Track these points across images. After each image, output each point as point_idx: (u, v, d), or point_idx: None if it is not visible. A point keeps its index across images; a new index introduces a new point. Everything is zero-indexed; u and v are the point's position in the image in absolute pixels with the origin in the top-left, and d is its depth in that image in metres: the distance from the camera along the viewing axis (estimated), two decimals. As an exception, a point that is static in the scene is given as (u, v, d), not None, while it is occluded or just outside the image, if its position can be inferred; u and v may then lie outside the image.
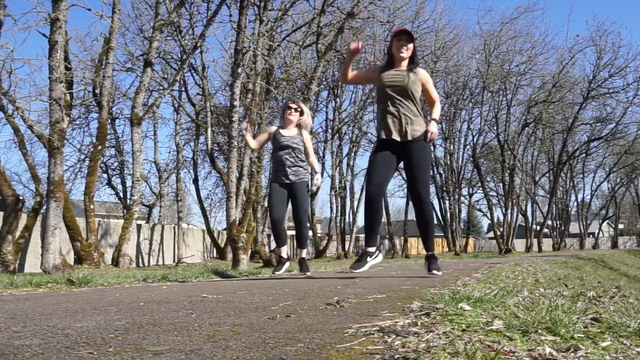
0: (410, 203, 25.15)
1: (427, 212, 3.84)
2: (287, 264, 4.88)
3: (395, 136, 3.75)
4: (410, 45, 3.82)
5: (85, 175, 13.32)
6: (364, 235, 4.23)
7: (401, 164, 3.94)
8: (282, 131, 4.85)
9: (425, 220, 3.84)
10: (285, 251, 4.92)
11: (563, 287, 2.80)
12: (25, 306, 2.25)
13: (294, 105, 4.90)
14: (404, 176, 25.48)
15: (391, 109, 3.76)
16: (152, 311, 1.95)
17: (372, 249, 3.83)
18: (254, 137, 5.25)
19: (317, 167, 4.99)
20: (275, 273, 4.79)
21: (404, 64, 3.85)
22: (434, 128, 3.76)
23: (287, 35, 14.94)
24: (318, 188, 5.41)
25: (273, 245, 17.89)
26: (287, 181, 4.76)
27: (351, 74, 3.98)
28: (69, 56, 9.91)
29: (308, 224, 5.07)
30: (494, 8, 66.24)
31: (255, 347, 1.21)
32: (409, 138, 3.74)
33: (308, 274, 4.85)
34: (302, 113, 4.89)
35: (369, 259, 3.82)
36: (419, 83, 3.82)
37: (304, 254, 5.02)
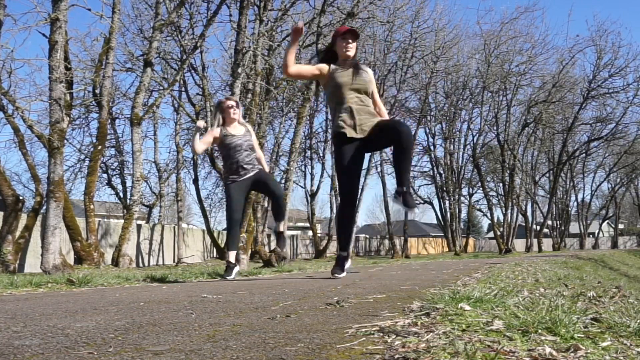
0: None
1: (407, 131, 3.51)
2: (237, 269, 4.71)
3: (357, 134, 3.65)
4: (355, 44, 3.80)
5: (85, 175, 13.32)
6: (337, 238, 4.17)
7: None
8: (229, 130, 4.69)
9: (404, 141, 3.48)
10: (233, 256, 4.72)
11: (563, 287, 2.80)
12: (25, 306, 2.25)
13: (234, 103, 4.75)
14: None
15: (350, 106, 3.68)
16: (152, 311, 1.95)
17: (345, 253, 3.93)
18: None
19: (266, 165, 4.89)
20: (227, 278, 4.50)
21: (349, 61, 3.79)
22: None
23: (287, 35, 14.92)
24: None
25: (273, 245, 17.88)
26: (245, 176, 4.63)
27: (294, 64, 3.71)
28: (69, 56, 9.91)
29: (283, 196, 4.94)
30: (494, 8, 66.32)
31: (255, 347, 1.21)
32: (365, 135, 3.67)
33: (285, 250, 4.77)
34: (239, 107, 4.79)
35: (346, 263, 3.91)
36: (373, 82, 3.82)
37: (281, 227, 4.78)
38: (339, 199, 3.89)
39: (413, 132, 24.89)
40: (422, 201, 30.79)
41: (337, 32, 3.84)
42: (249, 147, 4.70)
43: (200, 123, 4.79)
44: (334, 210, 22.24)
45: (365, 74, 3.80)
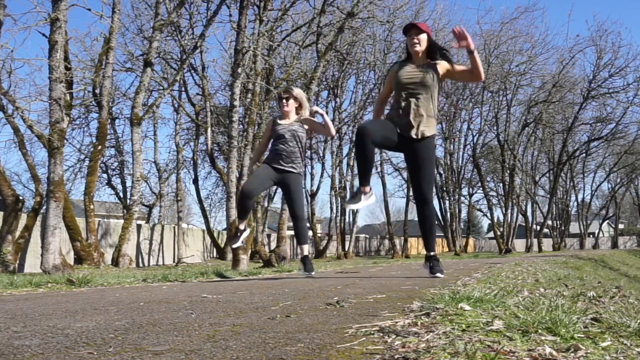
0: (411, 203, 25.24)
1: (430, 212, 3.79)
2: (246, 233, 4.57)
3: (404, 132, 3.65)
4: (422, 36, 3.68)
5: (85, 175, 13.32)
6: (357, 173, 3.98)
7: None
8: (279, 120, 4.57)
9: (427, 221, 3.78)
10: (243, 224, 4.57)
11: (563, 287, 2.80)
12: (25, 306, 2.25)
13: (285, 95, 4.60)
14: (404, 176, 25.55)
15: (405, 104, 3.66)
16: (152, 311, 1.95)
17: (367, 189, 3.75)
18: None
19: (331, 126, 4.57)
20: (233, 246, 4.41)
21: (422, 57, 3.72)
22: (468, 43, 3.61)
23: (287, 35, 14.94)
24: (322, 118, 4.82)
25: (273, 245, 17.87)
26: (282, 167, 4.48)
27: (381, 105, 4.04)
28: (69, 56, 9.92)
29: (306, 217, 4.76)
30: (494, 8, 66.31)
31: (255, 347, 1.21)
32: (418, 137, 3.65)
33: (312, 274, 4.48)
34: (295, 98, 4.58)
35: (363, 196, 3.74)
36: (436, 81, 3.69)
37: (306, 250, 4.59)
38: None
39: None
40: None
41: (403, 32, 3.81)
42: (293, 137, 4.49)
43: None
44: (334, 210, 22.25)
45: (431, 73, 3.67)
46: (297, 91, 4.65)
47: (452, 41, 22.89)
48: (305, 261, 4.56)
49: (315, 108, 4.53)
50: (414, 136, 3.64)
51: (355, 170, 23.23)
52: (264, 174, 4.47)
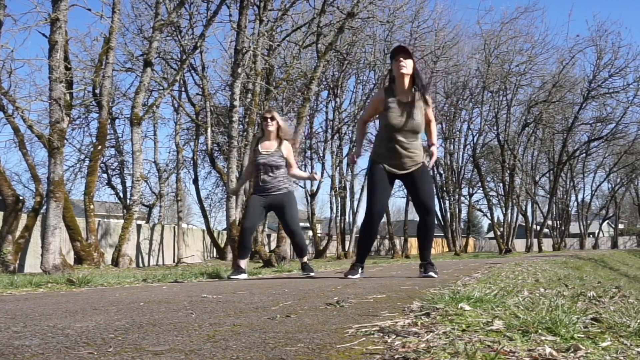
0: (410, 203, 25.22)
1: (432, 222, 3.90)
2: (245, 275, 4.63)
3: (397, 172, 3.83)
4: (410, 62, 3.71)
5: (85, 175, 13.32)
6: (357, 249, 4.36)
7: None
8: (260, 147, 4.72)
9: (428, 230, 3.91)
10: (244, 263, 4.69)
11: (563, 287, 2.80)
12: (25, 306, 2.25)
13: (268, 115, 4.75)
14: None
15: (396, 146, 3.77)
16: (152, 311, 1.95)
17: (363, 264, 4.06)
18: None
19: (303, 174, 4.95)
20: (231, 278, 4.47)
21: (407, 82, 3.75)
22: (434, 152, 3.95)
23: (287, 35, 14.94)
24: (318, 182, 5.31)
25: (273, 245, 17.87)
26: (269, 194, 4.65)
27: (364, 125, 4.16)
28: (69, 56, 9.92)
29: (302, 232, 4.91)
30: (494, 8, 66.32)
31: (255, 347, 1.21)
32: (411, 170, 3.83)
33: (312, 274, 4.68)
34: (277, 121, 4.75)
35: (360, 269, 3.99)
36: (422, 117, 3.81)
37: (304, 260, 4.89)
38: (365, 214, 3.98)
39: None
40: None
41: (391, 54, 3.87)
42: (274, 166, 4.66)
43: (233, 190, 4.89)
44: (334, 210, 22.23)
45: (419, 104, 3.76)
46: (279, 118, 4.85)
47: (451, 41, 22.86)
48: (305, 265, 4.83)
49: (303, 176, 4.95)
50: (405, 173, 3.84)
51: (356, 170, 23.26)
52: (257, 206, 4.65)
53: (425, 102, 3.81)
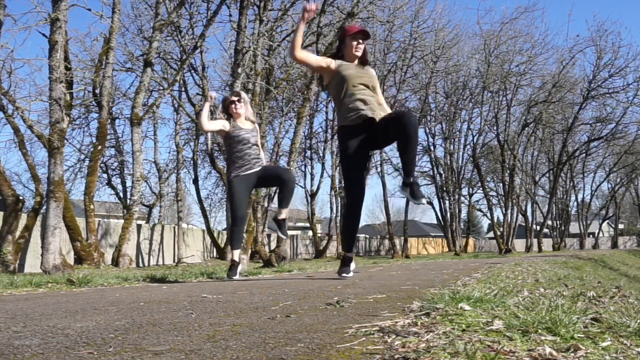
0: (410, 203, 25.23)
1: (411, 119, 3.45)
2: (241, 267, 4.65)
3: (371, 115, 3.60)
4: (364, 46, 3.80)
5: (85, 175, 13.32)
6: (342, 239, 4.11)
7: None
8: (239, 123, 4.64)
9: (409, 129, 3.39)
10: (237, 254, 4.64)
11: (563, 287, 2.80)
12: (25, 306, 2.25)
13: (236, 98, 4.69)
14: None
15: (359, 96, 3.64)
16: (152, 311, 1.95)
17: (352, 254, 3.91)
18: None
19: (265, 160, 4.92)
20: (233, 278, 4.43)
21: (357, 61, 3.80)
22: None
23: (287, 35, 14.93)
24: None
25: (273, 245, 17.87)
26: (252, 171, 4.58)
27: (301, 50, 3.72)
28: (69, 56, 9.91)
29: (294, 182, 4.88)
30: (494, 8, 66.41)
31: (255, 347, 1.21)
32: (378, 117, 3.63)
33: (285, 238, 4.73)
34: (244, 101, 4.71)
35: (352, 263, 3.89)
36: (377, 79, 3.85)
37: (284, 214, 4.67)
38: (344, 196, 3.91)
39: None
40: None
41: (347, 31, 3.80)
42: (255, 142, 4.66)
43: (212, 93, 4.77)
44: (334, 210, 22.23)
45: (370, 70, 3.84)
46: (245, 96, 4.85)
47: (451, 41, 22.84)
48: (281, 224, 4.72)
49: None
50: (375, 119, 3.61)
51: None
52: (242, 190, 4.58)
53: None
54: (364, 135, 3.62)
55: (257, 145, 4.71)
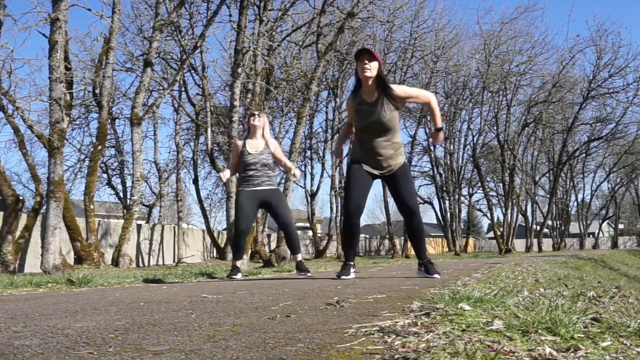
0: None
1: (418, 222, 3.88)
2: (239, 275, 4.69)
3: (376, 172, 3.81)
4: (374, 64, 3.67)
5: (85, 175, 13.32)
6: (342, 249, 4.30)
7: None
8: (248, 147, 4.79)
9: (417, 230, 3.87)
10: (240, 263, 4.76)
11: (563, 287, 2.80)
12: (25, 306, 2.25)
13: (257, 112, 4.91)
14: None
15: (369, 145, 3.77)
16: (152, 311, 1.95)
17: (352, 262, 3.97)
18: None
19: (290, 163, 4.99)
20: (233, 278, 4.50)
21: (371, 83, 3.71)
22: (440, 137, 3.91)
23: (287, 35, 14.94)
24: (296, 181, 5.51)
25: (273, 245, 17.86)
26: (257, 188, 4.70)
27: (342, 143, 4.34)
28: (69, 56, 9.91)
29: (295, 231, 4.96)
30: (494, 8, 66.33)
31: (255, 347, 1.21)
32: (391, 172, 3.80)
33: (309, 274, 4.71)
34: (263, 117, 4.90)
35: (352, 269, 3.94)
36: (395, 113, 3.74)
37: (299, 258, 4.90)
38: (343, 205, 4.04)
39: (413, 134, 24.94)
40: (422, 201, 30.80)
41: (354, 55, 3.84)
42: (263, 165, 4.75)
43: (224, 175, 4.86)
44: (334, 210, 22.22)
45: (387, 107, 3.71)
46: (264, 115, 4.98)
47: (451, 41, 22.87)
48: (300, 265, 4.87)
49: (292, 169, 4.98)
50: (386, 173, 3.81)
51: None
52: (248, 205, 4.69)
53: (393, 98, 3.72)
54: (368, 169, 3.85)
55: (268, 165, 4.77)
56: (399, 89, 3.77)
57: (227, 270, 6.25)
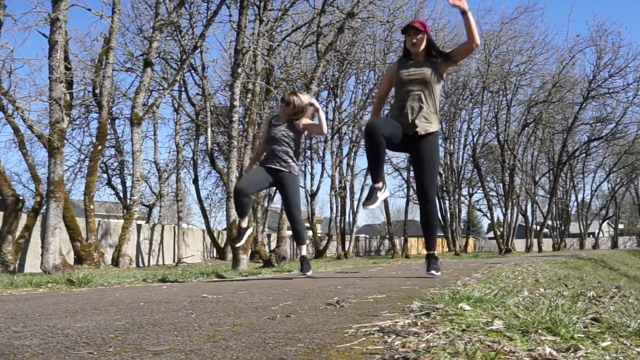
0: (411, 203, 25.23)
1: (432, 210, 3.79)
2: (249, 232, 4.64)
3: (407, 130, 3.67)
4: (421, 36, 3.69)
5: (85, 175, 13.32)
6: (369, 171, 4.10)
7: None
8: (273, 121, 4.73)
9: (429, 219, 3.80)
10: (245, 222, 4.65)
11: (563, 287, 2.80)
12: (25, 306, 2.25)
13: (287, 98, 4.74)
14: (404, 176, 25.55)
15: (407, 102, 3.68)
16: (152, 311, 1.95)
17: (379, 185, 3.75)
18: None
19: (324, 124, 4.78)
20: (237, 245, 4.49)
21: (421, 55, 3.74)
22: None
23: (287, 35, 14.94)
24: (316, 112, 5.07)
25: (273, 245, 17.85)
26: (275, 166, 4.58)
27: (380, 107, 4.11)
28: (69, 56, 9.92)
29: (302, 218, 4.86)
30: (494, 8, 66.33)
31: (255, 347, 1.21)
32: (421, 133, 3.66)
33: (308, 274, 4.61)
34: (293, 104, 4.67)
35: (379, 193, 3.74)
36: (438, 78, 3.71)
37: (304, 251, 4.74)
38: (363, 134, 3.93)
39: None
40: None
41: (402, 30, 3.82)
42: (284, 140, 4.61)
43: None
44: (334, 210, 22.23)
45: (433, 70, 3.69)
46: (300, 101, 4.70)
47: (451, 41, 22.90)
48: (303, 262, 4.70)
49: (313, 101, 4.71)
50: (417, 133, 3.67)
51: (356, 170, 23.27)
52: (258, 174, 4.59)
53: (448, 55, 3.72)
54: (402, 129, 3.70)
55: (287, 140, 4.61)
56: (445, 58, 3.77)
57: (228, 270, 6.25)
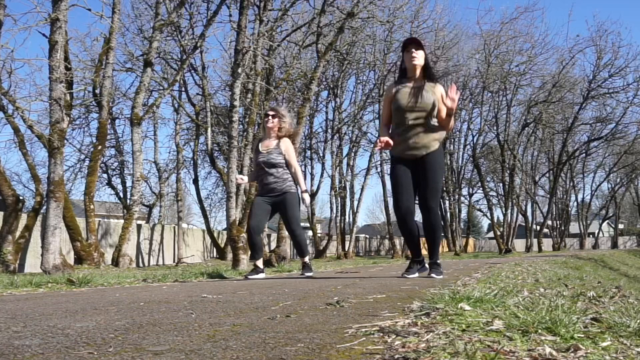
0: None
1: (434, 220, 3.84)
2: (262, 275, 4.71)
3: (410, 156, 3.77)
4: (421, 52, 3.76)
5: (85, 175, 13.32)
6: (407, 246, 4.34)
7: None
8: (260, 146, 4.76)
9: (431, 228, 3.86)
10: (261, 262, 4.76)
11: (563, 287, 2.80)
12: (25, 306, 2.25)
13: (271, 112, 4.77)
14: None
15: (406, 129, 3.74)
16: (152, 311, 1.95)
17: (419, 259, 3.97)
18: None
19: (302, 183, 4.80)
20: (249, 277, 4.53)
21: (418, 73, 3.78)
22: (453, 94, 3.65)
23: (287, 35, 14.93)
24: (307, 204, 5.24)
25: (273, 245, 17.85)
26: (271, 194, 4.68)
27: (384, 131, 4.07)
28: (69, 56, 9.91)
29: (302, 231, 4.96)
30: (494, 8, 66.22)
31: (255, 347, 1.21)
32: (423, 155, 3.75)
33: (308, 274, 4.72)
34: (280, 117, 4.73)
35: (418, 266, 3.95)
36: (434, 97, 3.73)
37: (306, 259, 4.93)
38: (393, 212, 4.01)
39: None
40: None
41: (402, 46, 3.87)
42: (272, 165, 4.66)
43: (241, 178, 4.92)
44: (334, 210, 22.22)
45: (428, 91, 3.73)
46: (286, 113, 4.86)
47: (451, 41, 22.86)
48: (305, 265, 4.90)
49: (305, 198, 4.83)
50: (419, 156, 3.77)
51: (356, 170, 23.27)
52: (261, 208, 4.72)
53: (443, 91, 3.76)
54: (407, 164, 3.82)
55: (275, 166, 4.67)
56: (440, 87, 3.82)
57: (228, 270, 6.25)
